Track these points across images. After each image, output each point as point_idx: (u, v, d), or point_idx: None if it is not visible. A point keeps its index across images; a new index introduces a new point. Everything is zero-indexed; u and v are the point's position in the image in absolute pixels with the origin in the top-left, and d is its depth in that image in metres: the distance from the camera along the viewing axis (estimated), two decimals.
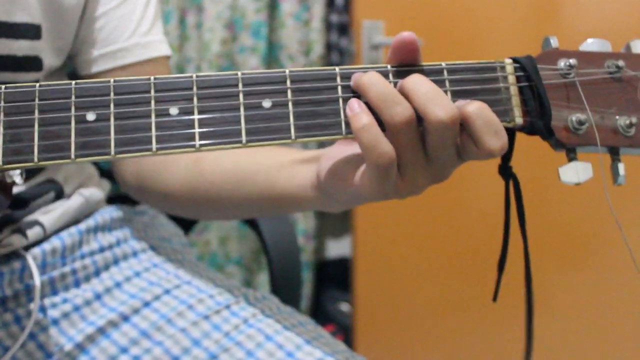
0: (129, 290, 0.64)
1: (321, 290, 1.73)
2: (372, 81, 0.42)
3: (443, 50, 1.50)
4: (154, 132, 0.42)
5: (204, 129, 0.42)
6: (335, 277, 1.73)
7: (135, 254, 0.69)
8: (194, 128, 0.42)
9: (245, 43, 1.63)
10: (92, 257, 0.66)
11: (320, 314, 1.61)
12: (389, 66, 0.45)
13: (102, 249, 0.67)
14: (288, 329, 0.60)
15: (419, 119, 0.42)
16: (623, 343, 1.45)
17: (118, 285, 0.65)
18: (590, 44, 0.49)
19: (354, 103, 0.42)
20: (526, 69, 0.45)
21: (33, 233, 0.62)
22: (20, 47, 0.57)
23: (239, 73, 0.43)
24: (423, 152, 0.43)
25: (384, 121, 0.42)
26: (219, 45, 1.62)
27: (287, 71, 0.44)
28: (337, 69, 0.44)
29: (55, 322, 0.61)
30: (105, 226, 0.69)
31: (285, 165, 0.55)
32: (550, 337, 1.40)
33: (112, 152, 0.42)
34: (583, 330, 1.47)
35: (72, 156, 0.41)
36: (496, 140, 0.42)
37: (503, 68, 0.46)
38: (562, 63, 0.47)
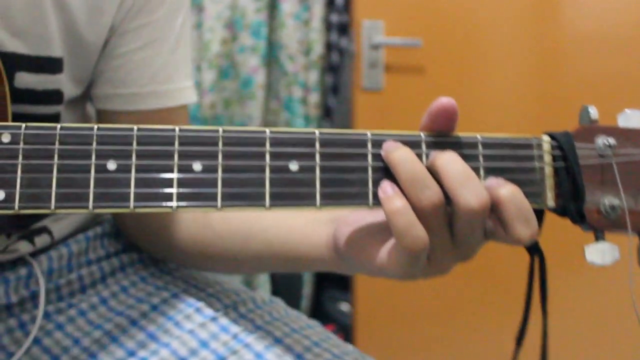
0: (136, 294, 0.64)
1: (321, 290, 1.73)
2: (403, 159, 0.41)
3: (443, 50, 1.53)
4: (175, 189, 0.41)
5: (227, 189, 0.41)
6: (335, 277, 1.72)
7: (141, 260, 0.69)
8: (216, 187, 0.41)
9: (245, 43, 1.62)
10: (99, 264, 0.66)
11: (320, 314, 1.61)
12: (422, 135, 0.43)
13: (108, 256, 0.67)
14: (296, 331, 0.61)
15: (447, 197, 0.41)
16: (619, 344, 1.47)
17: (124, 289, 0.65)
18: (629, 116, 0.48)
19: (387, 186, 0.41)
20: (563, 148, 0.44)
21: (40, 240, 0.61)
22: (40, 81, 0.55)
23: (267, 131, 0.42)
24: (450, 234, 0.42)
25: (411, 203, 0.40)
26: (219, 45, 1.61)
27: (316, 132, 0.42)
28: (368, 133, 0.43)
29: (60, 326, 0.61)
30: (112, 233, 0.69)
31: (299, 224, 0.54)
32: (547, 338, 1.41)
33: (131, 206, 0.41)
34: (580, 331, 1.48)
35: (90, 207, 0.40)
36: (526, 228, 0.40)
37: (539, 146, 0.44)
38: (600, 142, 0.45)
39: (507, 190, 0.41)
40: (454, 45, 1.52)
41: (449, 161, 0.41)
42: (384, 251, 0.43)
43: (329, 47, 1.63)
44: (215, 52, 1.61)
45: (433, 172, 0.41)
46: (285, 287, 0.91)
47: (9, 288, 0.59)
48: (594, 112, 0.47)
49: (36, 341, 0.60)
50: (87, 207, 0.40)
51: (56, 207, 0.40)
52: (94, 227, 0.67)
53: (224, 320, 0.61)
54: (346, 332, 1.55)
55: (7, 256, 0.59)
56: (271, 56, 1.66)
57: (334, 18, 1.62)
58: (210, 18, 1.60)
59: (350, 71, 1.55)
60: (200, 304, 0.62)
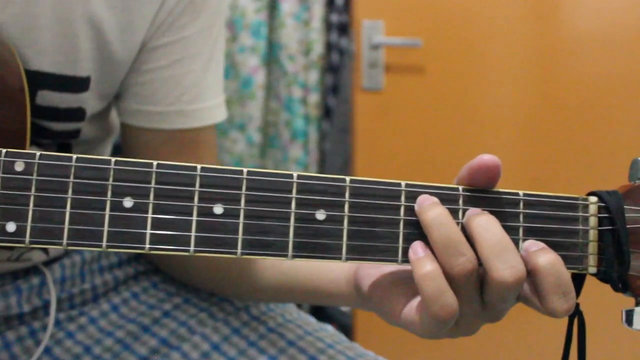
0: (147, 300, 0.63)
1: None
2: (438, 221, 0.38)
3: (443, 50, 1.53)
4: (193, 232, 0.38)
5: (248, 237, 0.38)
6: None
7: (155, 269, 0.67)
8: (237, 234, 0.38)
9: (245, 43, 1.59)
10: (112, 272, 0.64)
11: (320, 313, 1.58)
12: (460, 189, 0.40)
13: (120, 263, 0.66)
14: (310, 334, 0.60)
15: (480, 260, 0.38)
16: (618, 345, 1.45)
17: (135, 296, 0.64)
18: None
19: (418, 247, 0.38)
20: (611, 211, 0.40)
21: (54, 248, 0.60)
22: (63, 100, 0.52)
23: (295, 176, 0.39)
24: (480, 300, 0.39)
25: (442, 266, 0.38)
26: None
27: (347, 180, 0.39)
28: (403, 184, 0.40)
29: (70, 334, 0.60)
30: None
31: None
32: (545, 339, 1.40)
33: (147, 248, 0.38)
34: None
35: (104, 246, 0.38)
36: (563, 302, 0.38)
37: (585, 207, 0.41)
38: None
39: (545, 260, 0.38)
40: (454, 45, 1.52)
41: (486, 226, 0.38)
42: (410, 308, 0.41)
43: (329, 47, 1.61)
44: None
45: (468, 233, 0.38)
46: None
47: (21, 298, 0.58)
48: None
49: (46, 350, 0.59)
50: (100, 246, 0.38)
51: (68, 244, 0.38)
52: None
53: (236, 323, 0.60)
54: (346, 332, 1.53)
55: (20, 265, 0.58)
56: (271, 56, 1.63)
57: (334, 18, 1.59)
58: None
59: (350, 71, 1.54)
60: (213, 308, 0.62)
